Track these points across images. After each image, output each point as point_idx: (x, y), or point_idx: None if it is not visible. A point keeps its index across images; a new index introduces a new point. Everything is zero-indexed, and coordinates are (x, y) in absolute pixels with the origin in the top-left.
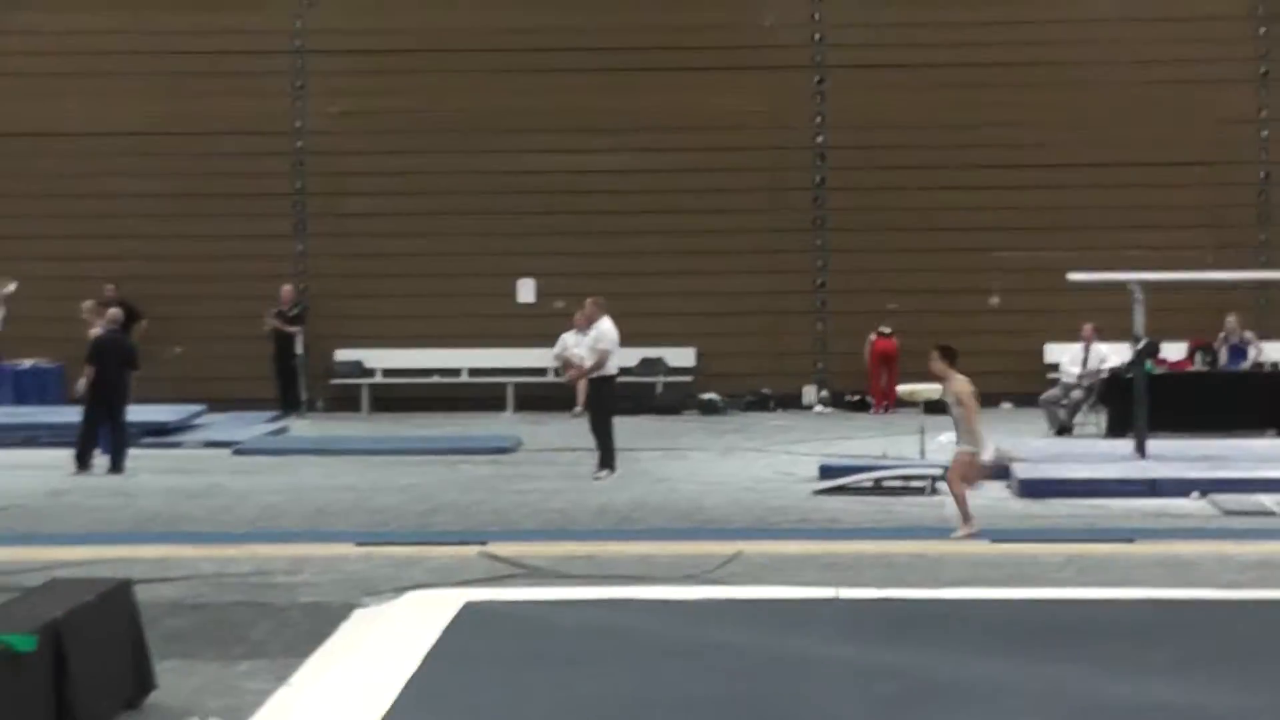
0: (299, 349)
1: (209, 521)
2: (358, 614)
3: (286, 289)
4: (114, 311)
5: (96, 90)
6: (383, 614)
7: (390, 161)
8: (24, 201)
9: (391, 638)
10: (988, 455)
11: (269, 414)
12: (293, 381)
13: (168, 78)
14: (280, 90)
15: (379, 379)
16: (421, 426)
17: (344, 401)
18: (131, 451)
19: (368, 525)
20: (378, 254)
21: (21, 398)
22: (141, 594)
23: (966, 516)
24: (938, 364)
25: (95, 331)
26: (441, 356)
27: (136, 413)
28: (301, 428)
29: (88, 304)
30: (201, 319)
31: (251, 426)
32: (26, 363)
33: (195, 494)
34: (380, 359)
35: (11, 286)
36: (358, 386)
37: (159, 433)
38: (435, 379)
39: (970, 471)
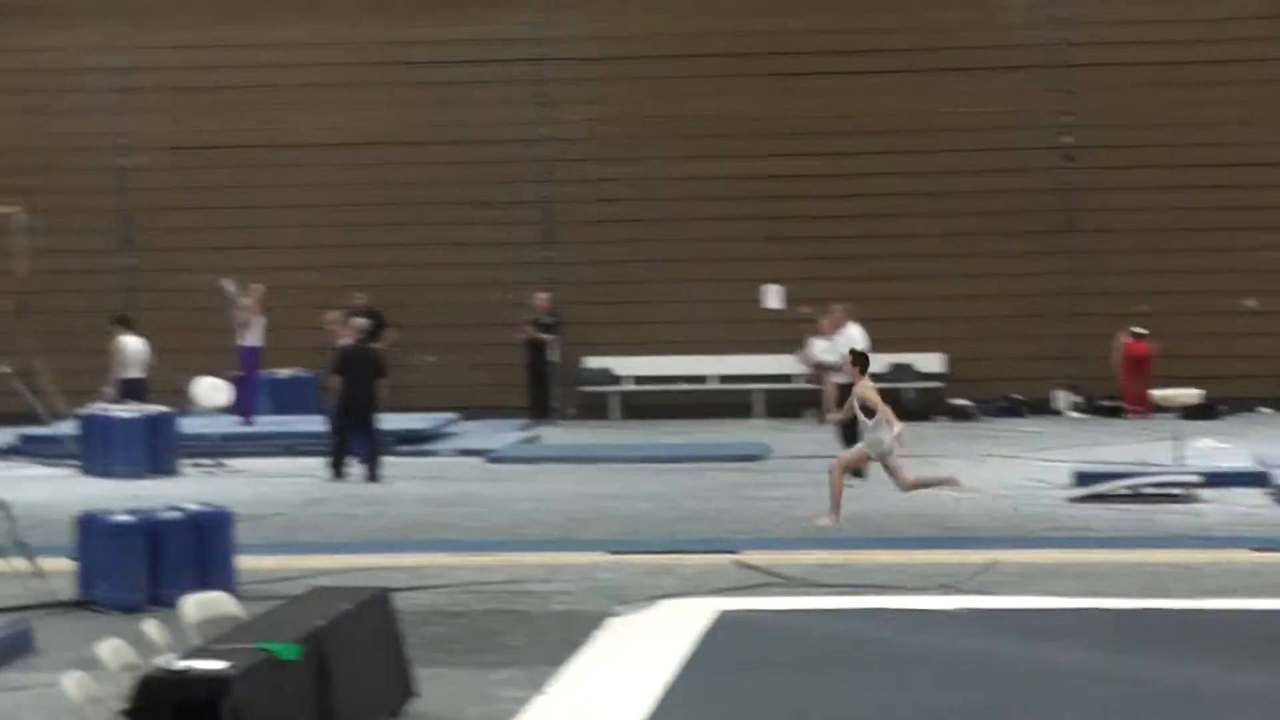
0: (553, 357)
1: (464, 529)
2: (612, 622)
3: (541, 297)
4: (359, 321)
5: (347, 101)
6: (637, 622)
7: (637, 167)
8: (282, 212)
9: (646, 646)
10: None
11: (520, 421)
12: (545, 389)
13: (416, 88)
14: (526, 98)
15: (628, 386)
16: (670, 434)
17: (593, 409)
18: (386, 459)
19: (619, 533)
20: (625, 260)
21: (281, 407)
22: (400, 602)
23: (835, 507)
24: (847, 368)
25: (343, 342)
26: (689, 363)
27: (391, 421)
28: (553, 435)
29: (333, 315)
30: (451, 327)
31: (504, 434)
32: (285, 372)
33: (450, 502)
34: (629, 366)
35: (235, 286)
36: (606, 394)
37: (413, 440)
38: (683, 386)
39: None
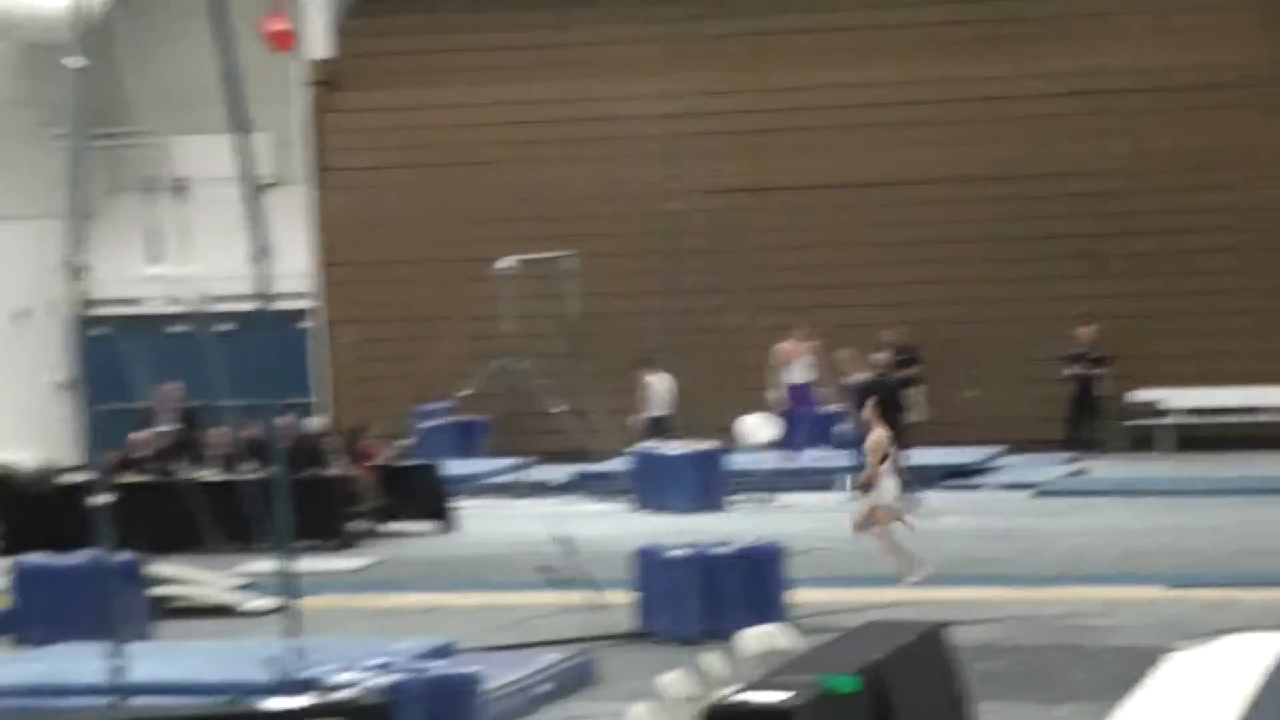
0: (1101, 390)
1: (1016, 563)
2: (1173, 658)
3: (1085, 330)
4: (879, 357)
5: (891, 141)
6: (1199, 658)
7: (1184, 199)
8: (824, 251)
9: (1210, 683)
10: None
11: (1065, 455)
12: (1091, 422)
13: (961, 125)
14: (1075, 131)
15: (1176, 419)
16: (1223, 466)
17: (1137, 442)
18: (931, 494)
19: (1178, 567)
20: (1171, 293)
21: (816, 441)
22: (954, 636)
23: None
24: (868, 411)
25: (857, 378)
26: (1242, 395)
27: (936, 455)
28: (1101, 469)
29: (844, 352)
30: (995, 361)
31: (1049, 468)
32: (830, 408)
33: (999, 536)
34: (1178, 398)
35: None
36: (1152, 426)
37: (959, 474)
38: (1235, 418)
39: (868, 519)
